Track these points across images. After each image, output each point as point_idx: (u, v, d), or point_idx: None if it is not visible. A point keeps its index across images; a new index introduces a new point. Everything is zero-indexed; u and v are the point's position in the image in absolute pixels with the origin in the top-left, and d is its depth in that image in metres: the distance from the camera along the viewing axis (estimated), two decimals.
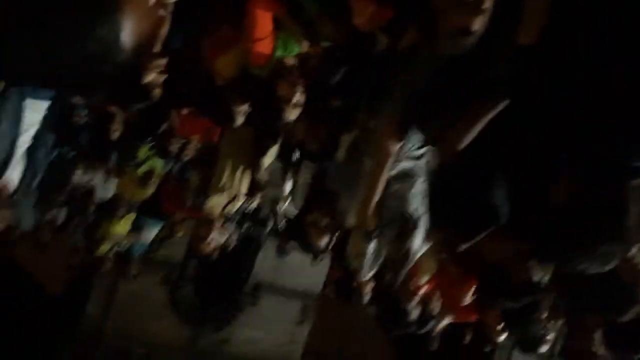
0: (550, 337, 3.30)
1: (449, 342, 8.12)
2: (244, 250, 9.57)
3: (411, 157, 2.63)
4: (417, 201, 2.58)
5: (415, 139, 2.62)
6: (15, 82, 0.96)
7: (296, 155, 5.81)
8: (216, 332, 9.79)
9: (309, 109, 3.05)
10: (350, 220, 3.00)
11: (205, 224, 3.84)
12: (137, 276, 6.72)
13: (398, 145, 2.44)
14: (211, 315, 9.76)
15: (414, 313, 2.68)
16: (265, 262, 9.91)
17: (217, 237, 3.81)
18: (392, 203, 2.57)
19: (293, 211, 6.28)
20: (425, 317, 3.71)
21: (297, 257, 9.11)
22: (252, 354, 10.10)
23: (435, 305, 3.66)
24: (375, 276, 2.85)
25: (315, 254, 3.49)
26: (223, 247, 7.52)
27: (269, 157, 3.87)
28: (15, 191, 3.76)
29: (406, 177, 2.60)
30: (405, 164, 2.62)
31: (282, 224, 6.84)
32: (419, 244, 2.59)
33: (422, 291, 3.23)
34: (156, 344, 9.26)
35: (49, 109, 3.45)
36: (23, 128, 3.26)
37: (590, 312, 2.81)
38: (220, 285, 9.79)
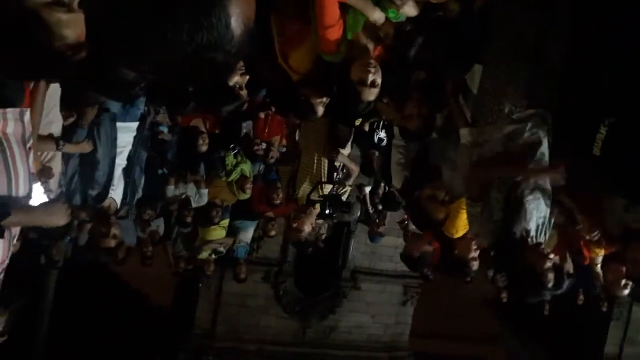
0: None
1: (557, 306, 7.83)
2: (338, 239, 9.68)
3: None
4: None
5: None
6: (139, 72, 0.98)
7: (379, 137, 5.77)
8: (322, 321, 9.97)
9: (395, 88, 3.03)
10: (460, 190, 3.00)
11: (298, 213, 3.90)
12: (246, 278, 6.91)
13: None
14: (316, 305, 9.95)
15: (550, 276, 2.56)
16: (360, 249, 9.96)
17: (309, 226, 3.86)
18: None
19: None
20: (560, 278, 3.57)
21: (390, 241, 9.15)
22: (360, 338, 10.21)
23: (569, 265, 3.49)
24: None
25: (436, 227, 3.46)
26: (317, 238, 7.66)
27: (347, 145, 3.85)
28: (120, 209, 4.01)
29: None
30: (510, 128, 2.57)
31: (371, 209, 6.81)
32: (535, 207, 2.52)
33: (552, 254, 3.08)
34: (266, 339, 9.58)
35: (139, 129, 3.64)
36: (118, 150, 3.47)
37: None
38: (319, 275, 9.95)
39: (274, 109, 5.36)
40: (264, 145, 5.40)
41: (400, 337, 10.48)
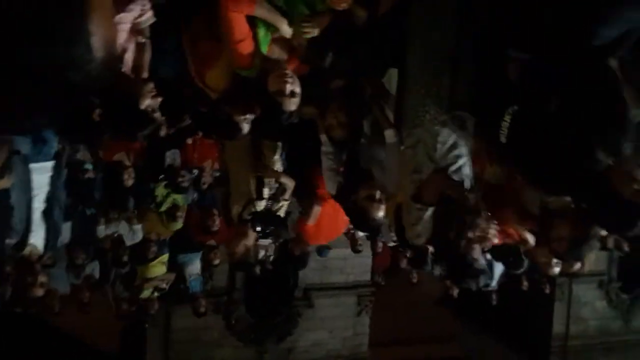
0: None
1: (507, 297, 8.11)
2: (285, 259, 9.57)
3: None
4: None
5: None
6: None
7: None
8: (280, 344, 9.80)
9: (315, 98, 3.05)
10: (392, 189, 3.09)
11: (238, 234, 3.82)
12: (206, 312, 6.68)
13: None
14: (271, 329, 9.78)
15: (481, 261, 2.63)
16: (310, 265, 9.88)
17: (242, 247, 3.79)
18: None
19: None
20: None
21: (338, 253, 9.17)
22: (319, 355, 10.12)
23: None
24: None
25: (374, 228, 3.46)
26: (264, 260, 7.53)
27: (276, 156, 3.82)
28: (43, 255, 3.79)
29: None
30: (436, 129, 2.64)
31: None
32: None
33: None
34: None
35: (54, 168, 3.45)
36: (34, 193, 3.28)
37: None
38: (270, 298, 9.80)
39: (200, 133, 5.28)
40: (189, 174, 5.28)
41: (359, 348, 10.46)
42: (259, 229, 3.86)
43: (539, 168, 2.35)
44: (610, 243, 5.07)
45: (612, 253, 9.80)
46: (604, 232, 3.07)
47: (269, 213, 3.97)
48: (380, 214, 3.14)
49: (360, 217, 3.29)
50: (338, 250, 8.88)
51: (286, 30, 2.77)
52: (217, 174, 5.64)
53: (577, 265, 3.60)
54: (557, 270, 3.30)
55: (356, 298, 10.44)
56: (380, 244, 7.36)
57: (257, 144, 3.81)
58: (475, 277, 2.56)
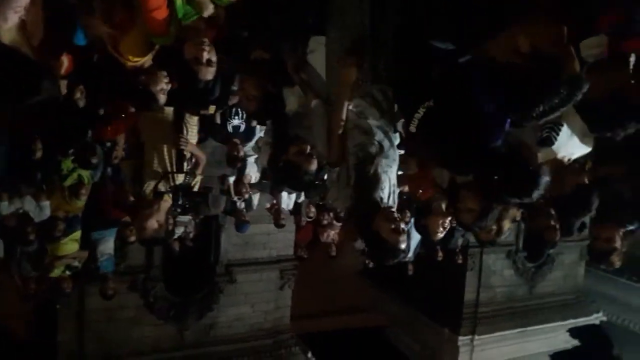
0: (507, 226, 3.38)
1: (422, 267, 8.47)
2: (207, 235, 9.44)
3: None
4: (381, 133, 2.69)
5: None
6: None
7: (232, 125, 5.65)
8: (201, 320, 9.70)
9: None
10: (322, 149, 3.08)
11: (147, 207, 3.68)
12: (114, 294, 6.40)
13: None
14: (191, 306, 9.64)
15: (399, 238, 2.71)
16: (232, 241, 9.82)
17: (162, 220, 3.66)
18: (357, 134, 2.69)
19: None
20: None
21: (262, 228, 9.14)
22: (242, 330, 10.12)
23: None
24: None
25: (309, 185, 3.47)
26: (183, 238, 7.35)
27: (193, 129, 3.71)
28: None
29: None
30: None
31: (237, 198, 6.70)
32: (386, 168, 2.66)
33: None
34: (142, 350, 9.10)
35: None
36: None
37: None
38: (192, 275, 9.65)
39: (115, 105, 5.01)
40: (100, 149, 5.00)
41: (281, 321, 10.56)
42: (181, 201, 3.75)
43: (442, 154, 2.49)
44: (518, 215, 5.37)
45: (519, 225, 10.43)
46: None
47: (189, 187, 3.86)
48: (313, 167, 3.16)
49: (292, 172, 3.28)
50: (262, 225, 8.86)
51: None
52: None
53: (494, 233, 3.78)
54: (440, 235, 3.47)
55: (279, 272, 10.49)
56: (303, 219, 7.39)
57: (179, 116, 3.66)
58: (393, 255, 2.62)
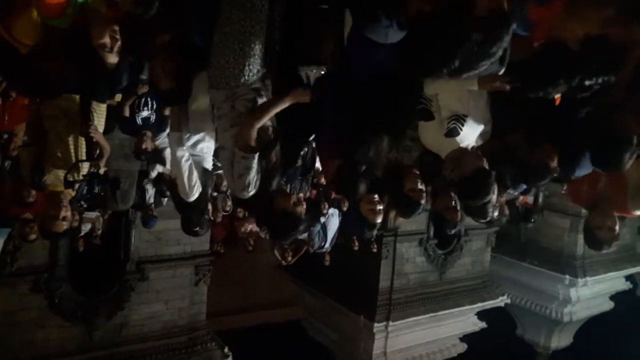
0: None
1: (337, 257, 8.61)
2: (115, 231, 9.05)
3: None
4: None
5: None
6: None
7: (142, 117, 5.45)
8: (111, 320, 9.28)
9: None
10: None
11: (53, 200, 3.47)
12: None
13: None
14: (100, 306, 9.21)
15: (300, 210, 2.78)
16: (144, 237, 9.48)
17: (69, 213, 3.47)
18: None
19: None
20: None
21: (176, 224, 8.83)
22: (155, 328, 9.81)
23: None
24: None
25: None
26: (90, 235, 7.00)
27: (100, 118, 3.54)
28: None
29: None
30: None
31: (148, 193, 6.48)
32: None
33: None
34: (47, 353, 8.58)
35: None
36: None
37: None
38: (99, 273, 9.22)
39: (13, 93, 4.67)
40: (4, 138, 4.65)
41: (197, 317, 10.34)
42: (97, 189, 3.57)
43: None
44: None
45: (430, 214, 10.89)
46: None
47: (97, 176, 3.65)
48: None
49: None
50: (175, 221, 8.58)
51: None
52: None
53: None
54: (379, 220, 3.56)
55: (194, 268, 10.25)
56: (220, 214, 7.27)
57: (86, 104, 3.45)
58: (295, 230, 2.70)
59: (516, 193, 4.06)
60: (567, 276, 15.44)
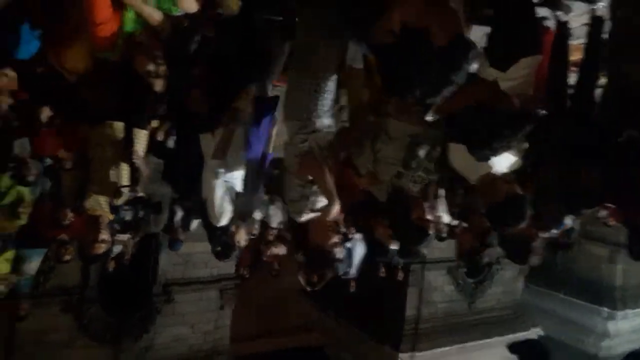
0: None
1: (363, 284, 8.53)
2: (144, 253, 9.16)
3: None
4: None
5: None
6: None
7: None
8: (137, 342, 9.34)
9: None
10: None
11: (92, 223, 3.57)
12: (27, 315, 6.11)
13: None
14: (127, 328, 9.29)
15: (337, 250, 2.78)
16: (172, 260, 9.58)
17: (107, 237, 3.57)
18: None
19: None
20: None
21: (204, 247, 8.89)
22: (180, 351, 9.84)
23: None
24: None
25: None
26: (120, 256, 7.11)
27: (141, 144, 3.64)
28: None
29: None
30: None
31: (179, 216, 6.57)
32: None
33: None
34: None
35: None
36: None
37: None
38: (127, 294, 9.32)
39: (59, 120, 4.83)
40: (37, 165, 4.79)
41: (221, 342, 10.34)
42: (141, 214, 3.67)
43: None
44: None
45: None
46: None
47: (142, 201, 3.76)
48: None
49: None
50: (204, 243, 8.66)
51: (154, 13, 2.65)
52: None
53: None
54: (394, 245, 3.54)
55: (218, 292, 10.29)
56: (245, 237, 7.30)
57: (129, 131, 3.57)
58: (331, 265, 2.69)
59: (557, 232, 3.97)
60: (605, 308, 14.86)
